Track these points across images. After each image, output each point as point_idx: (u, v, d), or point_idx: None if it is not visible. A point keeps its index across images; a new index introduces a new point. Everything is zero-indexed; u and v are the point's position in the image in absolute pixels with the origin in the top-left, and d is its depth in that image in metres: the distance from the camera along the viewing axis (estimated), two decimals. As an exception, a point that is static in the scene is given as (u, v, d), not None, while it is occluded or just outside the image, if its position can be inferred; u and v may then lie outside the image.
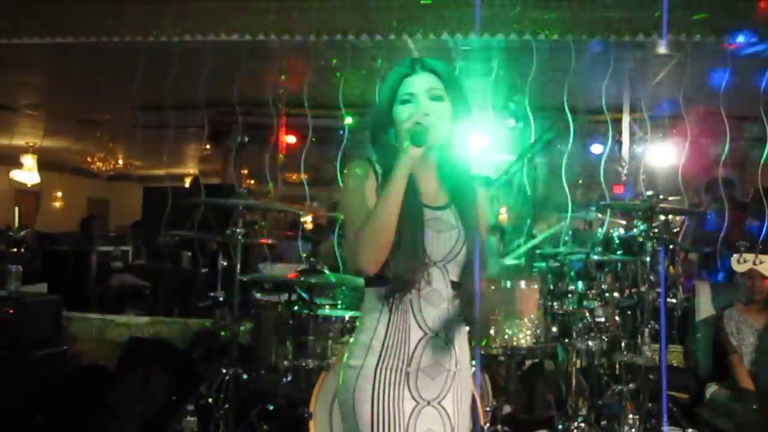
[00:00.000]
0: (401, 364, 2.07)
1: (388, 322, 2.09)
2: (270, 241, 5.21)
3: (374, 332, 2.09)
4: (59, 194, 14.53)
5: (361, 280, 2.16)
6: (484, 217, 2.21)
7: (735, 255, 3.25)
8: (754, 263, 3.21)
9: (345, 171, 2.18)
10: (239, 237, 4.28)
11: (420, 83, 2.11)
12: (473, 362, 2.23)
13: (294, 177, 7.08)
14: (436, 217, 2.10)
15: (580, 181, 7.00)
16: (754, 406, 4.07)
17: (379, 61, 5.88)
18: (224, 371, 4.27)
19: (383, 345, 2.08)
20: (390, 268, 2.03)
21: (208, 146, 8.70)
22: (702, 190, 6.36)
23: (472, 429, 2.18)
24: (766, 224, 5.23)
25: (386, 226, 1.99)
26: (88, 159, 11.81)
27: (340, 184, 2.34)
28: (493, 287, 3.76)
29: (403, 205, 2.02)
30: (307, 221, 7.70)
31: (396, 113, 2.11)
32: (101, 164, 11.84)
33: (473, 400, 2.22)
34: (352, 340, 2.17)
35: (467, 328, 2.19)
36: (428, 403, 2.08)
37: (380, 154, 2.16)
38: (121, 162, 11.96)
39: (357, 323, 2.18)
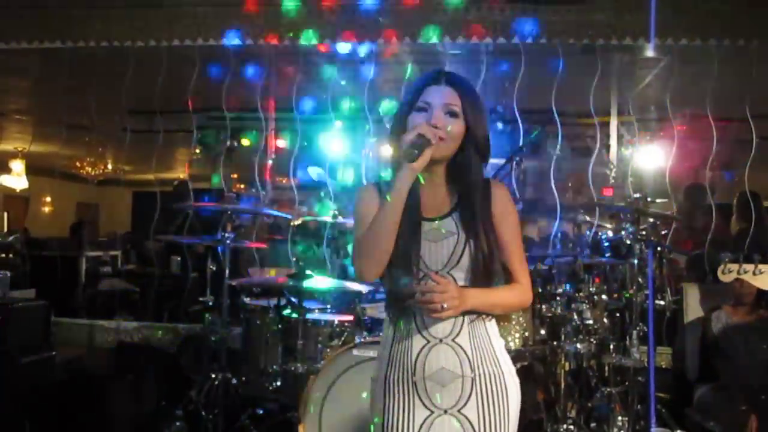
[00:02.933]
0: (406, 374, 2.08)
1: (394, 333, 2.13)
2: (259, 245, 5.20)
3: (385, 343, 2.17)
4: (48, 199, 14.46)
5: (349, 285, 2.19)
6: (504, 217, 2.17)
7: (720, 266, 3.27)
8: (739, 273, 3.23)
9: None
10: (228, 241, 4.27)
11: (439, 95, 2.09)
12: (502, 366, 2.15)
13: (284, 180, 7.07)
14: (434, 228, 2.11)
15: (570, 184, 7.01)
16: (743, 407, 4.07)
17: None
18: (213, 376, 4.28)
19: (389, 356, 2.13)
20: (389, 281, 2.09)
21: (197, 150, 8.68)
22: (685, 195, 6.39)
23: None
24: (751, 229, 5.28)
25: (382, 237, 2.02)
26: (77, 164, 11.76)
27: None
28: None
29: (401, 219, 2.04)
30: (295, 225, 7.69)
31: (410, 121, 2.10)
32: (90, 169, 11.80)
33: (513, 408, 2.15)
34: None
35: (491, 330, 2.16)
36: (445, 412, 2.07)
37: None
38: (110, 167, 11.92)
39: None
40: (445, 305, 1.96)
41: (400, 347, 2.11)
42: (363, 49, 5.59)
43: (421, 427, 2.06)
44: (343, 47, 5.58)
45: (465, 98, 2.10)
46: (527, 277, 2.21)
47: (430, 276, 2.04)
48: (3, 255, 7.77)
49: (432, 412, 2.07)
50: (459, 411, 2.07)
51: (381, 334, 2.26)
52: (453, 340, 2.08)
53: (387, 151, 2.25)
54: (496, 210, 2.15)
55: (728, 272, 3.24)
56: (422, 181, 2.09)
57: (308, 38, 5.41)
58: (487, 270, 2.08)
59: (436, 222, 2.12)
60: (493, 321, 2.18)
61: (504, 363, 2.15)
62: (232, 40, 5.49)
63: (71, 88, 7.07)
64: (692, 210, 6.14)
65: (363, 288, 4.27)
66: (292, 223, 5.80)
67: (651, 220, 4.57)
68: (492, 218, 2.14)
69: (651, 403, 4.03)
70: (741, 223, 5.82)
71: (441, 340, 2.08)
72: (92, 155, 11.30)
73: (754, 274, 3.21)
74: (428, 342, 2.08)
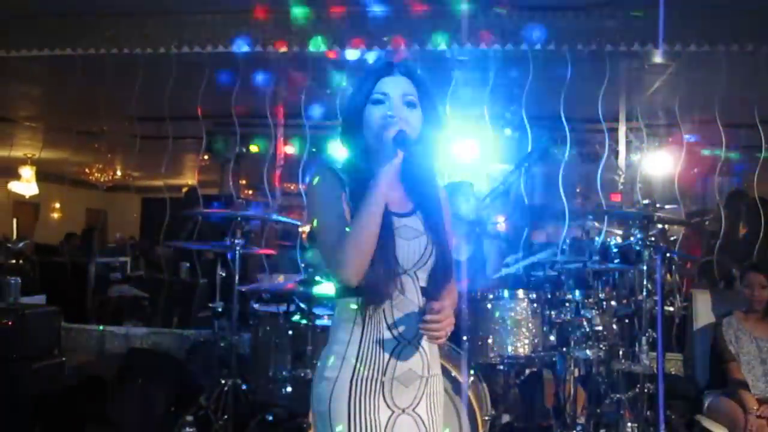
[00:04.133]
0: (376, 374, 2.04)
1: (362, 333, 2.05)
2: (269, 252, 5.22)
3: (348, 343, 2.05)
4: (57, 205, 14.51)
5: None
6: (448, 221, 2.18)
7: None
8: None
9: (310, 183, 2.13)
10: (237, 247, 4.29)
11: (395, 86, 2.07)
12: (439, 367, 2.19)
13: (293, 187, 7.10)
14: (404, 225, 2.07)
15: (578, 190, 7.02)
16: (755, 414, 4.06)
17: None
18: (223, 382, 4.29)
19: (357, 356, 2.05)
20: (364, 279, 2.00)
21: (206, 157, 8.72)
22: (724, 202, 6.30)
23: None
24: (761, 235, 5.28)
25: (371, 235, 1.97)
26: (87, 170, 11.83)
27: (306, 196, 2.31)
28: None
29: None
30: (305, 231, 7.71)
31: (367, 113, 2.07)
32: (99, 175, 11.86)
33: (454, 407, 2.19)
34: (324, 351, 2.12)
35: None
36: (403, 411, 2.07)
37: (355, 157, 2.14)
38: (119, 173, 11.98)
39: (330, 335, 2.14)
40: (442, 331, 1.97)
41: (371, 347, 2.05)
42: (371, 56, 5.61)
43: (386, 425, 2.05)
44: (352, 54, 5.60)
45: (421, 88, 2.10)
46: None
47: (432, 306, 1.98)
48: (13, 261, 7.81)
49: (393, 411, 2.06)
50: (413, 410, 2.08)
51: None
52: (417, 341, 2.07)
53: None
54: (445, 215, 2.17)
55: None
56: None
57: (317, 45, 5.44)
58: (448, 273, 2.10)
59: (404, 219, 2.08)
60: None
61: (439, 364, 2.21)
62: (241, 47, 5.53)
63: (81, 95, 7.13)
64: (735, 219, 6.04)
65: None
66: (301, 230, 5.81)
67: (660, 226, 4.56)
68: (447, 224, 2.16)
69: (660, 409, 4.02)
70: (745, 228, 5.79)
71: (409, 342, 2.06)
72: (101, 161, 11.35)
73: None
74: (399, 343, 2.05)
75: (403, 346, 2.05)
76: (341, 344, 2.06)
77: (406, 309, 2.05)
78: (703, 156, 6.11)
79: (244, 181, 9.74)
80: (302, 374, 4.09)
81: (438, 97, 2.16)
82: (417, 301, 2.06)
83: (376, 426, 2.03)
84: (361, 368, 2.04)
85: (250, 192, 10.05)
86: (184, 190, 7.65)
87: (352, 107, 2.13)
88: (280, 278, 5.37)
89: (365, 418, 2.02)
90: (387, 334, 2.04)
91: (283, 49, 5.54)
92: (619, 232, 5.57)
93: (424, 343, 2.07)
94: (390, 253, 2.02)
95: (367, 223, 1.95)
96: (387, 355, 2.04)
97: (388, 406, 2.05)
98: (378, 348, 2.04)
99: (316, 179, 2.11)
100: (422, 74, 2.14)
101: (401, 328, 2.05)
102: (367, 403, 2.03)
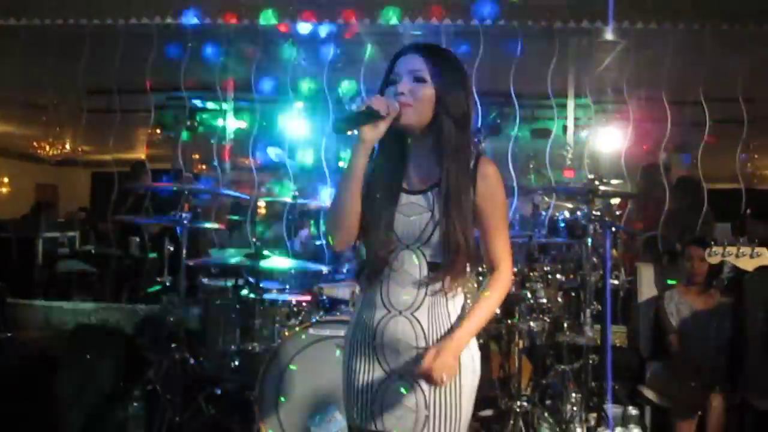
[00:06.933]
0: (368, 338, 2.16)
1: (362, 300, 2.21)
2: (217, 226, 5.17)
3: (355, 308, 2.27)
4: (6, 180, 14.22)
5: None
6: (488, 198, 2.12)
7: (706, 249, 3.35)
8: (723, 255, 3.30)
9: None
10: (185, 222, 4.25)
11: (405, 64, 2.10)
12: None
13: (247, 161, 7.04)
14: (410, 202, 2.11)
15: (531, 166, 7.08)
16: (692, 383, 4.18)
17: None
18: (171, 356, 4.27)
19: (356, 320, 2.21)
20: (362, 249, 2.16)
21: (158, 131, 8.59)
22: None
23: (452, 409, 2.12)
24: (704, 210, 5.40)
25: (342, 205, 2.08)
26: (35, 144, 11.56)
27: None
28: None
29: (378, 189, 2.10)
30: (261, 206, 7.66)
31: (386, 95, 2.09)
32: (48, 149, 11.60)
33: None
34: None
35: (452, 307, 2.14)
36: (400, 377, 2.13)
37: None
38: (68, 147, 11.72)
39: None
40: (444, 378, 1.99)
41: (365, 313, 2.18)
42: (322, 30, 5.57)
43: (380, 386, 2.14)
44: (303, 27, 5.56)
45: (432, 63, 2.08)
46: (508, 261, 2.17)
47: (429, 351, 2.02)
48: (-41, 237, 7.65)
49: (389, 375, 2.14)
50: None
51: (338, 314, 2.30)
52: (412, 313, 2.11)
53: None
54: (481, 189, 2.11)
55: (714, 254, 3.32)
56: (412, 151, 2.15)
57: (267, 18, 5.39)
58: (456, 251, 2.06)
59: (414, 196, 2.12)
60: (458, 298, 2.16)
61: None
62: (191, 19, 5.45)
63: (27, 68, 6.96)
64: (649, 190, 6.22)
65: (323, 268, 4.28)
66: (258, 204, 5.78)
67: (607, 200, 4.63)
68: (473, 197, 2.10)
69: (608, 380, 4.11)
70: (675, 203, 5.92)
71: (400, 312, 2.11)
72: (50, 135, 11.11)
73: (737, 256, 3.29)
74: (389, 312, 2.12)
75: (393, 316, 2.12)
76: (354, 309, 2.29)
77: (403, 282, 2.12)
78: (650, 132, 6.19)
79: (197, 156, 9.61)
80: (250, 348, 4.10)
81: (455, 72, 2.12)
82: (418, 276, 2.10)
83: (367, 387, 2.15)
84: (357, 331, 2.20)
85: (203, 166, 9.93)
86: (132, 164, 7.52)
87: (378, 92, 2.14)
88: (231, 253, 5.33)
89: (358, 378, 2.17)
90: (379, 304, 2.14)
91: (233, 21, 5.47)
92: (569, 206, 5.64)
93: (420, 315, 2.11)
94: (380, 227, 2.09)
95: (338, 195, 2.10)
96: (375, 323, 2.14)
97: (383, 369, 2.15)
98: (369, 315, 2.16)
99: None
100: (438, 51, 2.14)
101: (393, 300, 2.13)
102: (362, 364, 2.17)
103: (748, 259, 3.28)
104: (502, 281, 2.16)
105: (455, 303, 2.16)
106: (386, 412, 2.13)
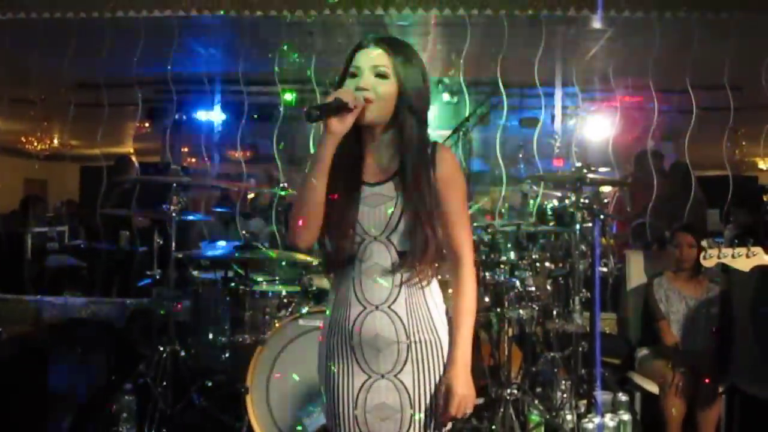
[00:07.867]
0: (344, 339, 2.10)
1: (335, 299, 2.15)
2: (204, 218, 5.17)
3: (328, 309, 2.19)
4: (-7, 175, 14.14)
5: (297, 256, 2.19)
6: (448, 183, 2.11)
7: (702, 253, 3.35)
8: (719, 257, 3.31)
9: None
10: (173, 214, 4.25)
11: (367, 57, 2.06)
12: (438, 332, 2.14)
13: (235, 154, 7.03)
14: (374, 193, 2.09)
15: (521, 155, 7.09)
16: (681, 370, 4.21)
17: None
18: (162, 349, 4.27)
19: (331, 321, 2.15)
20: (326, 246, 2.10)
21: (147, 124, 8.56)
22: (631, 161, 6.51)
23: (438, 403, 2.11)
24: (691, 198, 5.42)
25: (310, 200, 2.02)
26: (23, 139, 11.50)
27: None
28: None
29: (339, 184, 2.05)
30: (249, 198, 7.66)
31: (345, 87, 2.07)
32: (37, 144, 11.54)
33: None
34: None
35: (429, 297, 2.14)
36: (382, 376, 2.09)
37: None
38: (56, 142, 11.67)
39: None
40: (468, 410, 2.07)
41: (339, 312, 2.12)
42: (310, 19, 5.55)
43: (360, 389, 2.09)
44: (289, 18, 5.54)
45: (395, 58, 2.06)
46: (470, 248, 2.17)
47: (440, 390, 2.09)
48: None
49: (370, 376, 2.09)
50: (395, 376, 2.09)
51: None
52: (389, 307, 2.08)
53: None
54: (440, 174, 2.10)
55: (710, 257, 3.32)
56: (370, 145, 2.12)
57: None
58: (423, 235, 2.05)
59: (376, 187, 2.10)
60: (433, 287, 2.15)
61: (441, 329, 2.14)
62: (177, 11, 5.42)
63: (14, 62, 6.92)
64: (643, 177, 6.21)
65: (312, 259, 4.29)
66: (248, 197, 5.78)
67: (598, 188, 4.65)
68: (433, 182, 2.08)
69: (597, 367, 4.14)
70: (669, 189, 5.94)
71: (377, 307, 2.08)
72: (38, 130, 11.05)
73: (733, 257, 3.30)
74: (365, 308, 2.08)
75: (369, 312, 2.08)
76: (327, 309, 2.20)
77: (375, 275, 2.08)
78: (638, 120, 6.21)
79: (186, 149, 9.59)
80: (240, 340, 4.11)
81: (416, 67, 2.10)
82: (389, 267, 2.08)
83: (349, 390, 2.10)
84: (333, 333, 2.14)
85: (193, 159, 9.91)
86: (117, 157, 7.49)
87: (336, 84, 2.13)
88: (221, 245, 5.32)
89: (338, 381, 2.11)
90: (353, 301, 2.10)
91: (220, 13, 5.45)
92: (558, 194, 5.66)
93: (398, 308, 2.08)
94: (345, 221, 2.06)
95: (305, 190, 2.03)
96: (351, 321, 2.09)
97: (363, 371, 2.10)
98: (344, 314, 2.11)
99: None
100: (399, 45, 2.11)
101: (367, 295, 2.09)
102: (340, 367, 2.11)
103: (744, 259, 3.29)
104: (469, 274, 2.16)
105: (431, 291, 2.14)
106: (370, 415, 2.09)
